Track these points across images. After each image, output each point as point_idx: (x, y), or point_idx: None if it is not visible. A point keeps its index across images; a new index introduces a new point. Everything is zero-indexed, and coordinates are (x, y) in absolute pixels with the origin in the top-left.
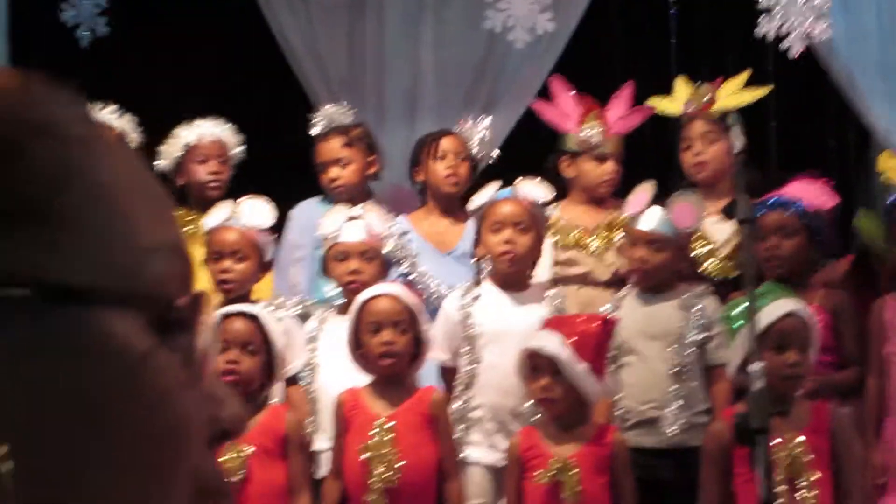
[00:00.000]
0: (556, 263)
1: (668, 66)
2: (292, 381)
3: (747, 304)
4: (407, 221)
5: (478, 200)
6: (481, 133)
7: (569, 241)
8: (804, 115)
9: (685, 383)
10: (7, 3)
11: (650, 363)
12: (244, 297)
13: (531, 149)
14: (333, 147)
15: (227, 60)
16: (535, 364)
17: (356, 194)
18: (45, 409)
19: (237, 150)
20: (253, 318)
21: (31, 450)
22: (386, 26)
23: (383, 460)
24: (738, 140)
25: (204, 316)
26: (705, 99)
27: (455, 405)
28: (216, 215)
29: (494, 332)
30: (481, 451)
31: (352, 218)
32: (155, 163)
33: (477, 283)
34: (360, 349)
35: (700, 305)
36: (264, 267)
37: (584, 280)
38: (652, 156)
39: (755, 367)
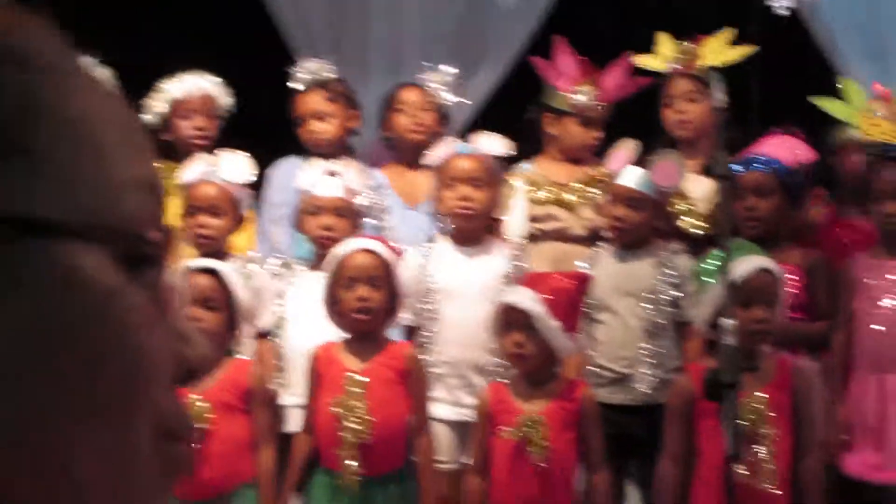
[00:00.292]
0: (533, 219)
1: (651, 25)
2: (264, 336)
3: (719, 259)
4: (383, 175)
5: (435, 156)
6: (445, 81)
7: (546, 197)
8: (786, 74)
9: (658, 341)
10: None
11: (624, 320)
12: (219, 253)
13: (515, 105)
14: (314, 101)
15: (208, 12)
16: (508, 319)
17: (335, 149)
18: (8, 341)
19: (225, 105)
20: (215, 274)
21: None
22: None
23: (355, 415)
24: (718, 96)
25: (174, 252)
26: (689, 57)
27: None
28: (194, 169)
29: (452, 289)
30: (445, 407)
31: (329, 173)
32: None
33: (434, 239)
34: (335, 304)
35: (675, 263)
36: (239, 222)
37: (561, 235)
38: (632, 112)
39: (727, 322)
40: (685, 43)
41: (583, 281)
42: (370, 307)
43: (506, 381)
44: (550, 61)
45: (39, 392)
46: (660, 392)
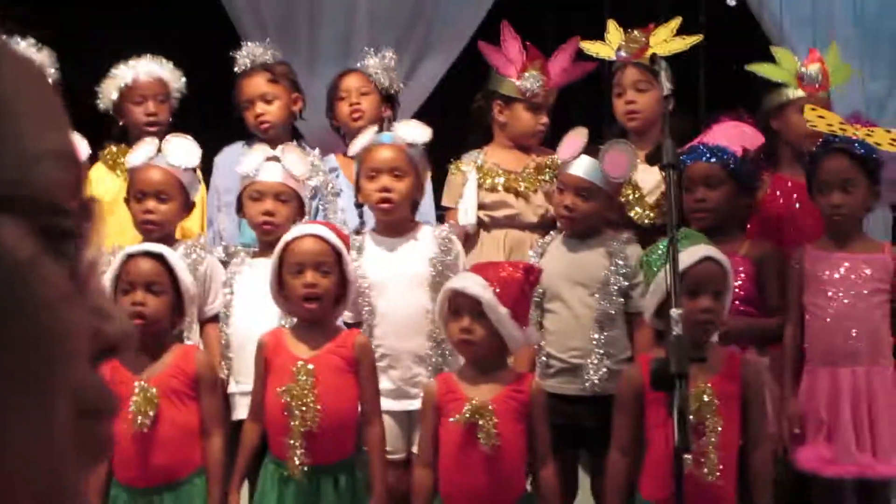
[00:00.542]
0: (484, 206)
1: (600, 12)
2: (212, 321)
3: (665, 248)
4: (334, 160)
5: (357, 145)
6: (385, 65)
7: (496, 184)
8: (733, 65)
9: (608, 331)
10: None
11: (574, 310)
12: (167, 238)
13: (463, 92)
14: (258, 83)
15: None
16: (457, 305)
17: (280, 133)
18: None
19: (178, 89)
20: (159, 258)
21: None
22: None
23: (303, 403)
24: (665, 84)
25: (94, 225)
26: (637, 45)
27: None
28: (140, 153)
29: (381, 282)
30: (389, 399)
31: (270, 158)
32: (96, 102)
33: (359, 231)
34: (282, 290)
35: (625, 253)
36: (188, 207)
37: (513, 223)
38: (581, 100)
39: (675, 312)
40: (634, 31)
41: (532, 272)
42: (318, 294)
43: (453, 371)
44: (497, 47)
45: None
46: (610, 383)
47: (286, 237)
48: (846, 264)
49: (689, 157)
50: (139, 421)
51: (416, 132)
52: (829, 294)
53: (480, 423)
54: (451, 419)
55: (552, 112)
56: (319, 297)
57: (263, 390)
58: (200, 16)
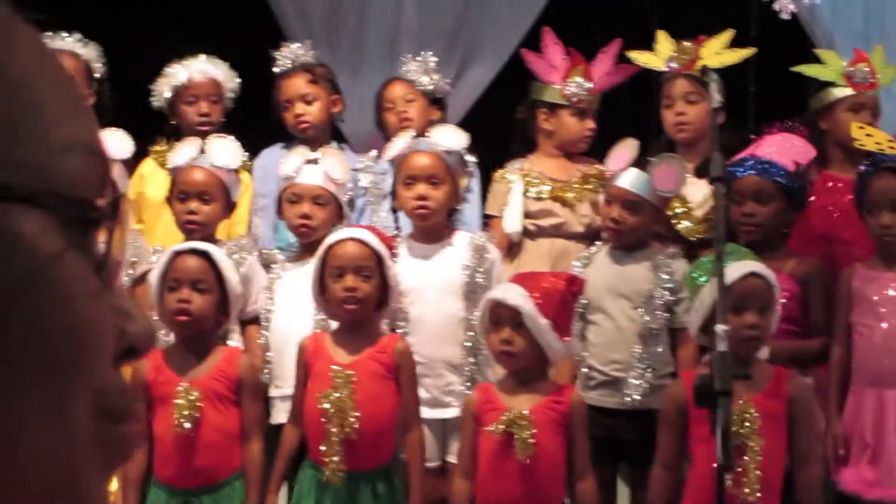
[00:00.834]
0: (530, 215)
1: (650, 22)
2: (254, 321)
3: (712, 263)
4: (387, 165)
5: (394, 150)
6: (427, 68)
7: (542, 192)
8: (784, 79)
9: (651, 345)
10: None
11: (617, 322)
12: (209, 238)
13: (510, 101)
14: (298, 84)
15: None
16: (497, 315)
17: (319, 134)
18: None
19: (231, 90)
20: (205, 256)
21: None
22: None
23: (342, 410)
24: (715, 97)
25: (122, 222)
26: (688, 56)
27: None
28: (182, 153)
29: (415, 289)
30: (423, 408)
31: (310, 161)
32: (149, 99)
33: (394, 236)
34: (324, 294)
35: (671, 267)
36: (230, 208)
37: (558, 232)
38: (628, 111)
39: (720, 328)
40: (685, 42)
41: (574, 283)
42: (358, 297)
43: (490, 380)
44: (539, 54)
45: None
46: (650, 397)
47: (328, 240)
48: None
49: (739, 169)
50: (181, 423)
51: (452, 138)
52: (879, 314)
53: (517, 433)
54: (488, 428)
55: (598, 120)
56: (359, 300)
57: (303, 394)
58: (246, 16)
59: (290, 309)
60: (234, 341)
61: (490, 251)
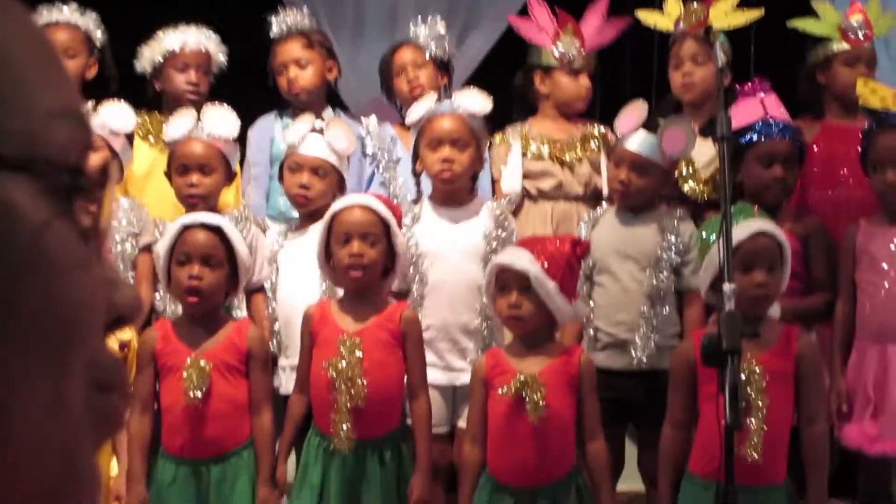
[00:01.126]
0: (528, 176)
1: None
2: (259, 291)
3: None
4: (392, 129)
5: (415, 113)
6: (436, 34)
7: (541, 153)
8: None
9: (658, 307)
10: None
11: (623, 284)
12: (211, 210)
13: (510, 67)
14: (293, 48)
15: None
16: (504, 280)
17: (314, 100)
18: None
19: (217, 64)
20: (215, 230)
21: None
22: None
23: (349, 378)
24: (720, 56)
25: (109, 189)
26: (696, 18)
27: None
28: (178, 125)
29: (436, 252)
30: (436, 372)
31: (315, 130)
32: (135, 62)
33: (416, 201)
34: (329, 261)
35: (678, 229)
36: (230, 177)
37: (558, 193)
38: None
39: (727, 287)
40: (693, 3)
41: (580, 246)
42: (363, 263)
43: (501, 346)
44: (527, 18)
45: None
46: (657, 358)
47: (335, 206)
48: None
49: (767, 131)
50: (192, 394)
51: (477, 102)
52: (883, 271)
53: (528, 395)
54: (499, 391)
55: (602, 83)
56: (365, 266)
57: (309, 363)
58: None
59: (295, 279)
60: (240, 311)
61: (511, 221)
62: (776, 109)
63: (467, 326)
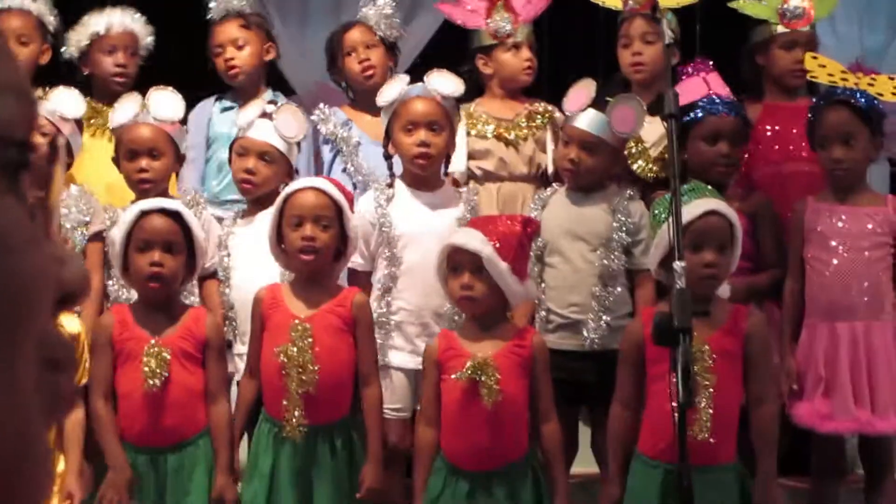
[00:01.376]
0: (472, 156)
1: None
2: (212, 276)
3: (669, 201)
4: (343, 113)
5: (387, 95)
6: (385, 14)
7: (485, 132)
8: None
9: (609, 287)
10: None
11: (574, 265)
12: (162, 195)
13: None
14: (230, 29)
15: None
16: (457, 261)
17: (251, 81)
18: None
19: (145, 46)
20: (174, 215)
21: None
22: None
23: (300, 364)
24: (668, 33)
25: (58, 166)
26: None
27: (374, 310)
28: (124, 110)
29: (412, 234)
30: (403, 355)
31: (264, 115)
32: (62, 49)
33: (390, 183)
34: (281, 244)
35: (629, 209)
36: (180, 160)
37: (502, 173)
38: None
39: (678, 265)
40: None
41: (530, 224)
42: (315, 246)
43: (455, 328)
44: (455, 3)
45: None
46: (609, 339)
47: (287, 189)
48: (848, 218)
49: (709, 109)
50: (150, 382)
51: (450, 84)
52: (831, 248)
53: (482, 379)
54: (453, 376)
55: (545, 59)
56: (317, 250)
57: (259, 347)
58: None
59: (249, 265)
60: (192, 297)
61: (479, 206)
62: (720, 87)
63: (438, 311)
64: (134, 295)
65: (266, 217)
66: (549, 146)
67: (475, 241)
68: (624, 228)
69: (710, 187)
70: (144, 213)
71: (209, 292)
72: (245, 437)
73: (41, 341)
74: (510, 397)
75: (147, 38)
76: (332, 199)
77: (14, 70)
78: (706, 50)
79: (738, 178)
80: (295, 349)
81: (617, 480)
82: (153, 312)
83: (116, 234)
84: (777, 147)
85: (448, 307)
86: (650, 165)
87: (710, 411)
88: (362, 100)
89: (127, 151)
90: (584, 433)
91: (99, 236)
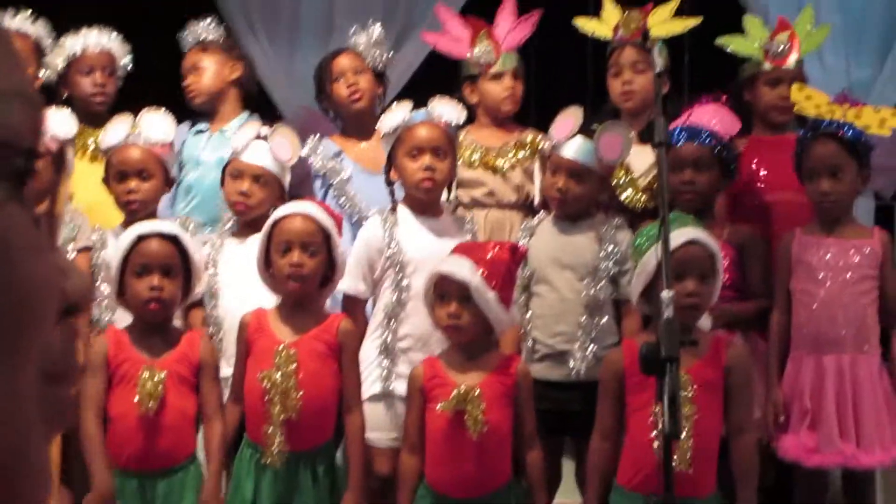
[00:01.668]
0: (460, 184)
1: None
2: (197, 304)
3: (654, 230)
4: (334, 144)
5: (390, 122)
6: (375, 40)
7: (473, 161)
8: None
9: (596, 317)
10: None
11: (561, 294)
12: (151, 217)
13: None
14: (190, 56)
15: None
16: (444, 289)
17: (216, 102)
18: None
19: (123, 65)
20: (171, 239)
21: None
22: None
23: (284, 390)
24: (658, 61)
25: (64, 174)
26: (636, 25)
27: (379, 336)
28: (115, 132)
29: (421, 259)
30: (400, 382)
31: (260, 137)
32: (40, 73)
33: (393, 209)
34: (269, 269)
35: (616, 238)
36: (169, 183)
37: (490, 201)
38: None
39: (665, 294)
40: (632, 11)
41: (517, 252)
42: (302, 273)
43: (440, 355)
44: (441, 33)
45: None
46: (596, 369)
47: (275, 215)
48: (834, 250)
49: (677, 137)
50: (147, 405)
51: (454, 111)
52: (818, 280)
53: (468, 409)
54: (438, 406)
55: (534, 88)
56: (304, 277)
57: (244, 372)
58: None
59: (238, 288)
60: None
61: (478, 234)
62: (701, 117)
63: (443, 338)
64: (118, 317)
65: (258, 240)
66: (537, 175)
67: (464, 269)
68: (611, 258)
69: (692, 217)
70: (142, 238)
71: (195, 321)
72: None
73: (43, 352)
74: (495, 426)
75: (125, 57)
76: (320, 225)
77: (21, 77)
78: (695, 82)
79: (725, 210)
80: (279, 374)
81: None
82: (149, 335)
83: (112, 258)
84: (764, 179)
85: None
86: (639, 195)
87: (691, 442)
88: (351, 126)
89: (116, 173)
90: (569, 463)
91: (85, 251)
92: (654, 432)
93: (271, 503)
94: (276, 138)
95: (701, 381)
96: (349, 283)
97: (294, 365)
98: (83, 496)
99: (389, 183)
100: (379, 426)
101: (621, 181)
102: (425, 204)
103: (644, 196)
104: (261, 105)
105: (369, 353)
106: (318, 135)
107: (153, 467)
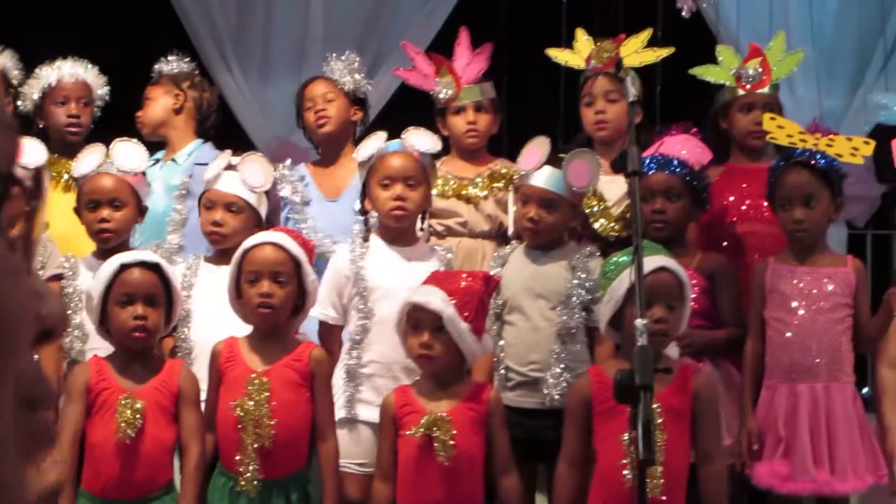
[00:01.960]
0: (434, 214)
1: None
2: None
3: (625, 257)
4: (305, 169)
5: (364, 151)
6: (350, 67)
7: (446, 191)
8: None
9: (569, 345)
10: None
11: (534, 323)
12: (123, 245)
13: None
14: (145, 91)
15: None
16: (417, 319)
17: (163, 132)
18: None
19: (100, 95)
20: (153, 268)
21: None
22: None
23: (256, 418)
24: (630, 91)
25: (41, 200)
26: (609, 55)
27: (345, 362)
28: (87, 161)
29: (386, 287)
30: (371, 409)
31: (230, 167)
32: (17, 103)
33: (365, 237)
34: (240, 298)
35: (588, 266)
36: (142, 212)
37: (463, 230)
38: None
39: (639, 322)
40: (604, 41)
41: (490, 282)
42: (272, 303)
43: (411, 384)
44: (411, 69)
45: None
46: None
47: (245, 244)
48: (808, 278)
49: (648, 166)
50: (124, 433)
51: (428, 142)
52: (791, 309)
53: (437, 435)
54: (408, 432)
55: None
56: (274, 307)
57: (216, 400)
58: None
59: (212, 315)
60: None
61: (452, 263)
62: (671, 147)
63: (408, 365)
64: (89, 346)
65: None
66: (511, 206)
67: (436, 300)
68: (583, 286)
69: (659, 245)
70: (125, 267)
71: (165, 349)
72: None
73: (20, 377)
74: (465, 453)
75: (101, 88)
76: (290, 254)
77: None
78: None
79: (697, 238)
80: (252, 403)
81: None
82: (130, 364)
83: (90, 288)
84: (737, 207)
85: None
86: (612, 224)
87: (661, 469)
88: (323, 152)
89: (88, 201)
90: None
91: (54, 279)
92: (625, 460)
93: None
94: (245, 165)
95: (669, 409)
96: (319, 309)
97: (267, 393)
98: None
99: (363, 213)
100: (344, 452)
101: (594, 210)
102: (397, 233)
103: (617, 225)
104: (233, 136)
105: (337, 378)
106: (288, 161)
107: (129, 496)
